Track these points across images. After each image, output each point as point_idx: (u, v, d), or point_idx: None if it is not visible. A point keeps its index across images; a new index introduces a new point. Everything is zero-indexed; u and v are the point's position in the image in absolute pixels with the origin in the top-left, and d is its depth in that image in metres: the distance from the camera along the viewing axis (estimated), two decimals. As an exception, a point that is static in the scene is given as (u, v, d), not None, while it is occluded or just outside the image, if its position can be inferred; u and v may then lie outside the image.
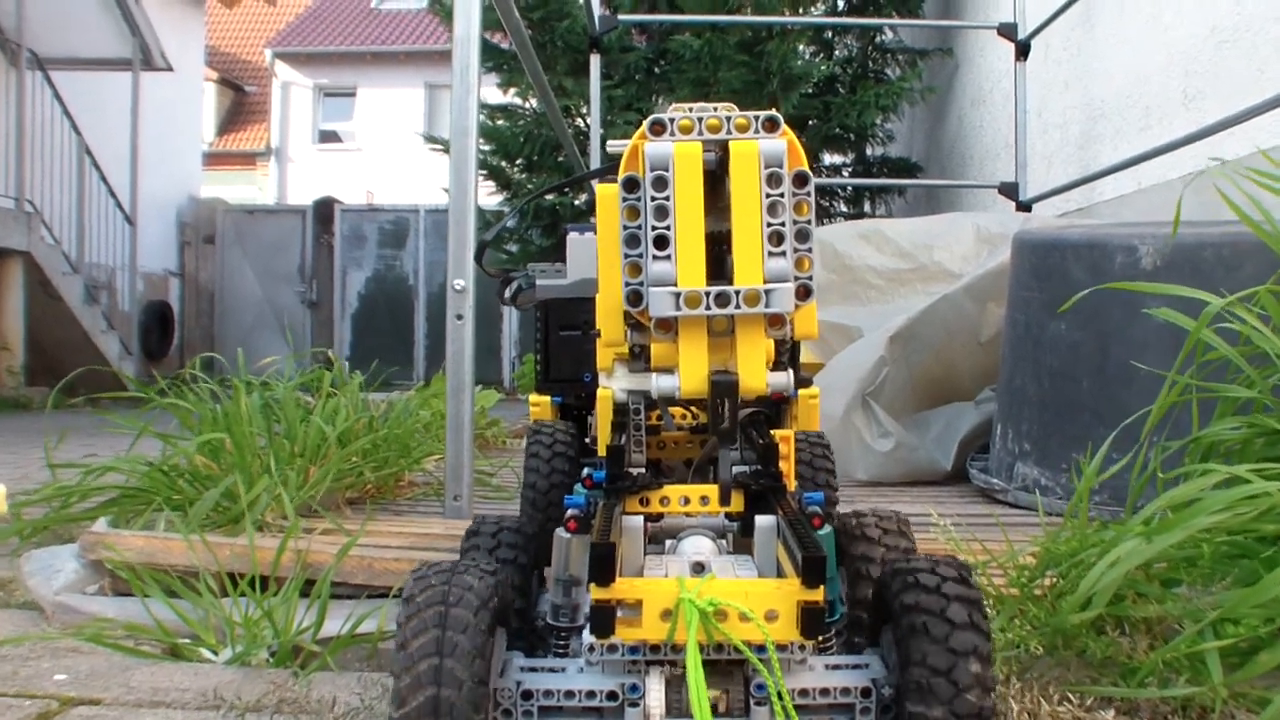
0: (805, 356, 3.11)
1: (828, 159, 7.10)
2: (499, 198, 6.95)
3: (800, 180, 0.80)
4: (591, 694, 0.88)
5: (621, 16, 5.81)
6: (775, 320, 0.82)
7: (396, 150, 19.16)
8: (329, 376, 2.39)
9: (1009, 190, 4.88)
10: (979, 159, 5.94)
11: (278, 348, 11.52)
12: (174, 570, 1.59)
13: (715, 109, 0.83)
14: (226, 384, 2.18)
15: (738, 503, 1.01)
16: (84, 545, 1.76)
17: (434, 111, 20.30)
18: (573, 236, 1.61)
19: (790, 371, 0.87)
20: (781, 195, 0.80)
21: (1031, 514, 2.25)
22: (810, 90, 6.27)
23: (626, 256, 0.82)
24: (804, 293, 0.81)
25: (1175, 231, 1.55)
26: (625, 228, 0.81)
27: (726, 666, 0.86)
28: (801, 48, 6.33)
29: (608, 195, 0.90)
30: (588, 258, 1.55)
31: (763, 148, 0.80)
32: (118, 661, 1.29)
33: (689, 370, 0.82)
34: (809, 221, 0.81)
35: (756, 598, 0.82)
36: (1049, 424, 2.28)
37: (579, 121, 6.51)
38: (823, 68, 6.25)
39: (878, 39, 6.85)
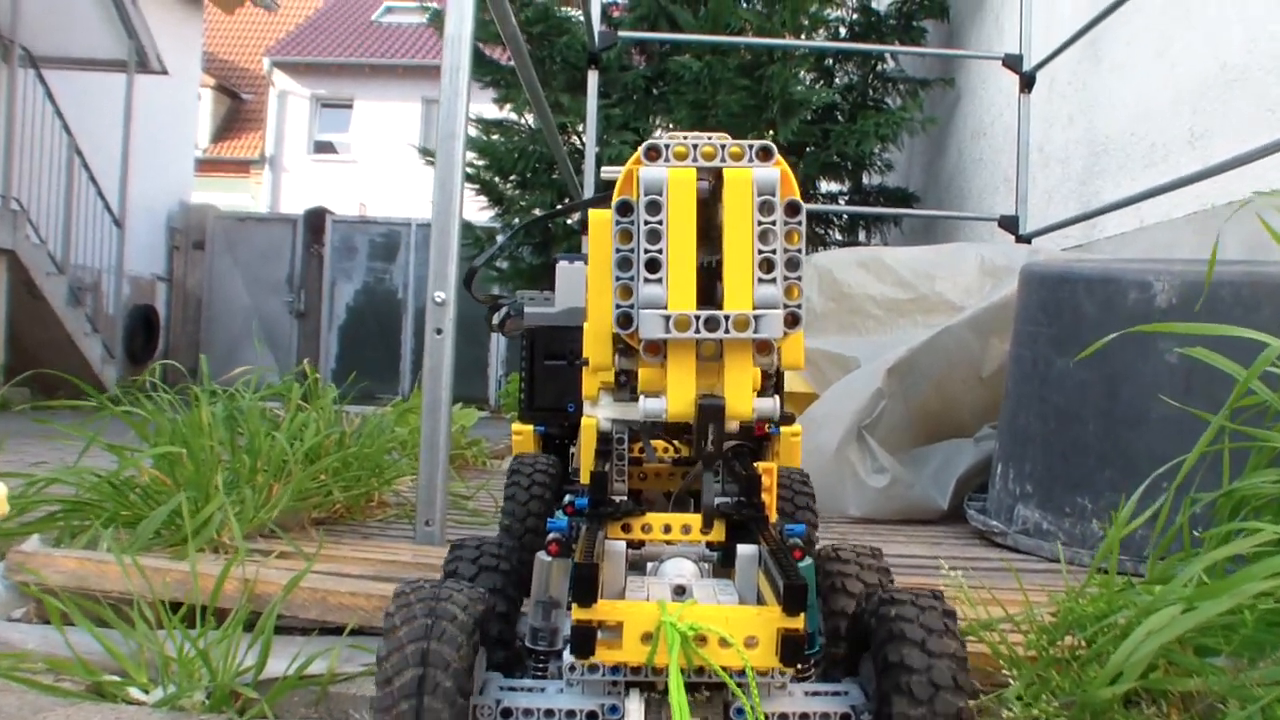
0: (800, 386, 3.06)
1: (824, 187, 7.02)
2: (490, 213, 6.86)
3: (792, 209, 0.82)
4: (571, 714, 0.89)
5: (621, 33, 5.73)
6: (763, 347, 0.83)
7: (392, 163, 19.13)
8: (297, 388, 2.27)
9: (1009, 224, 4.81)
10: (978, 192, 5.87)
11: (263, 356, 11.52)
12: (108, 597, 1.45)
13: (710, 138, 0.84)
14: (183, 393, 2.06)
15: (719, 532, 1.01)
16: (9, 565, 1.61)
17: (430, 126, 20.26)
18: (562, 265, 1.61)
19: (776, 398, 0.87)
20: (773, 223, 0.81)
21: (1033, 559, 2.15)
22: (809, 117, 6.19)
23: (618, 279, 0.82)
24: (792, 320, 0.82)
25: (1211, 269, 1.45)
26: (618, 251, 0.82)
27: (706, 691, 0.87)
28: (802, 74, 6.26)
29: (600, 221, 0.92)
30: (576, 287, 1.56)
31: (756, 175, 0.81)
32: (30, 701, 1.14)
33: (676, 393, 0.83)
34: (799, 250, 0.82)
35: (737, 623, 0.83)
36: (1053, 466, 2.18)
37: (575, 139, 6.42)
38: (823, 94, 6.18)
39: (879, 68, 6.78)
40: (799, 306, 0.82)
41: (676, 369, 0.83)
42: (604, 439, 1.09)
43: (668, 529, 1.04)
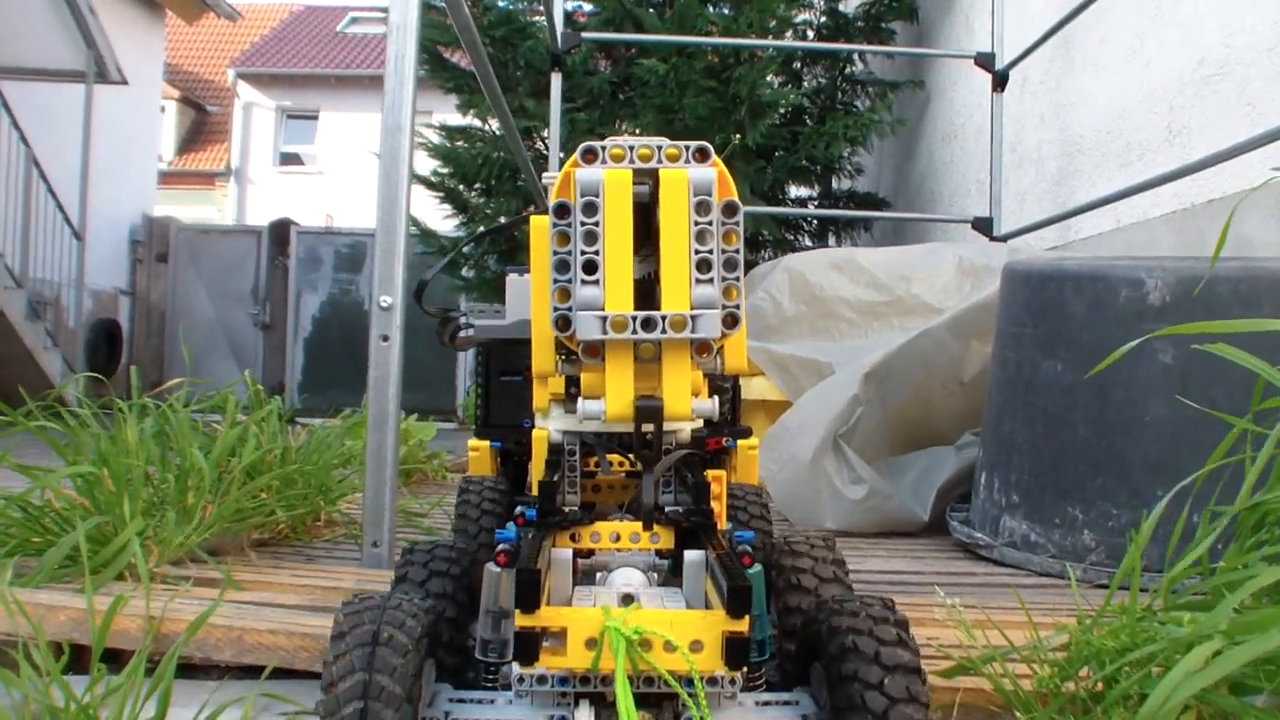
0: (772, 393, 2.96)
1: (793, 192, 6.96)
2: (455, 221, 6.75)
3: (729, 210, 0.81)
4: None
5: (585, 35, 5.63)
6: (702, 348, 0.82)
7: (358, 174, 18.95)
8: (234, 400, 2.12)
9: (983, 225, 4.75)
10: (949, 195, 5.82)
11: (228, 369, 11.43)
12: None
13: (648, 141, 0.84)
14: (105, 407, 1.91)
15: (667, 539, 1.01)
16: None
17: (397, 136, 20.12)
18: (512, 278, 1.61)
19: (715, 399, 0.87)
20: (710, 223, 0.80)
21: (1021, 573, 2.04)
22: (778, 120, 6.11)
23: (556, 281, 0.82)
24: (731, 321, 0.81)
25: (1216, 258, 1.34)
26: (555, 253, 0.82)
27: (656, 701, 0.87)
28: (770, 77, 6.19)
29: (541, 226, 0.93)
30: (527, 299, 1.51)
31: (692, 175, 0.81)
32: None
33: (615, 395, 0.82)
34: (737, 251, 0.82)
35: (682, 628, 0.83)
36: (1041, 474, 2.07)
37: (540, 144, 6.31)
38: (791, 96, 6.10)
39: (847, 70, 6.72)
40: (737, 307, 0.81)
41: (615, 371, 0.83)
42: (555, 450, 1.08)
43: (616, 537, 1.03)
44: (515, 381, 1.69)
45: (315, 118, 21.38)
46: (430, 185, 6.55)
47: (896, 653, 0.85)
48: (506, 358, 1.70)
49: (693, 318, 0.80)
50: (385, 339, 1.78)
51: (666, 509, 1.06)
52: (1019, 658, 1.07)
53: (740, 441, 1.51)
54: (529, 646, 0.83)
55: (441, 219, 6.73)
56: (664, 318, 0.80)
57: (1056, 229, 4.28)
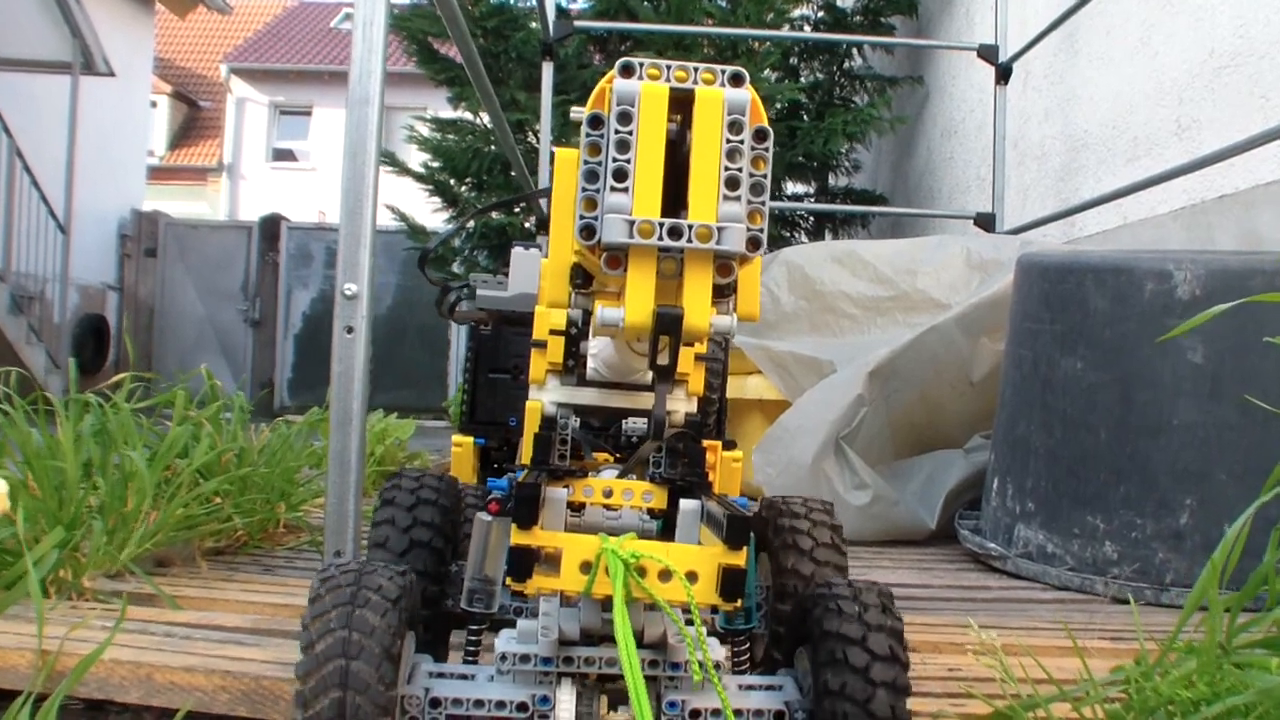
0: (770, 393, 2.84)
1: (790, 189, 6.90)
2: (444, 215, 6.68)
3: (760, 135, 0.82)
4: (501, 704, 0.90)
5: (578, 23, 5.51)
6: (724, 269, 0.82)
7: (352, 171, 18.81)
8: (184, 396, 1.96)
9: (985, 221, 4.66)
10: (948, 192, 5.74)
11: (217, 366, 11.36)
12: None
13: (684, 64, 0.84)
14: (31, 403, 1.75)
15: (660, 498, 1.01)
16: None
17: (388, 131, 20.09)
18: (517, 251, 1.60)
19: (733, 318, 0.86)
20: (741, 141, 0.80)
21: (1038, 587, 1.91)
22: (775, 115, 6.00)
23: (584, 191, 0.81)
24: (754, 245, 0.81)
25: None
26: (585, 163, 0.81)
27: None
28: (766, 72, 6.09)
29: (566, 159, 0.93)
30: (530, 272, 1.57)
31: (727, 95, 0.81)
32: None
33: (635, 304, 0.82)
34: (765, 176, 0.82)
35: (678, 557, 0.85)
36: (1058, 480, 1.95)
37: (531, 138, 6.20)
38: (789, 90, 6.02)
39: (845, 65, 6.65)
40: (761, 231, 0.81)
41: (636, 279, 0.81)
42: (548, 424, 1.07)
43: (609, 493, 1.02)
44: (503, 380, 1.67)
45: (308, 114, 21.33)
46: (420, 178, 6.49)
47: (883, 639, 0.87)
48: (497, 354, 1.68)
49: (719, 229, 0.79)
50: (350, 331, 1.63)
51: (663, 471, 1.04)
52: (1064, 696, 0.93)
53: (725, 453, 1.47)
54: (523, 563, 0.85)
55: (430, 212, 6.66)
56: (690, 226, 0.79)
57: (1060, 226, 4.20)
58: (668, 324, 0.82)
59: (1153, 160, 3.58)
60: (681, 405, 1.03)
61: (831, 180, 6.79)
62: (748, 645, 1.19)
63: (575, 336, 1.04)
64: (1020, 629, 1.30)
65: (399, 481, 1.18)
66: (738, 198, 0.80)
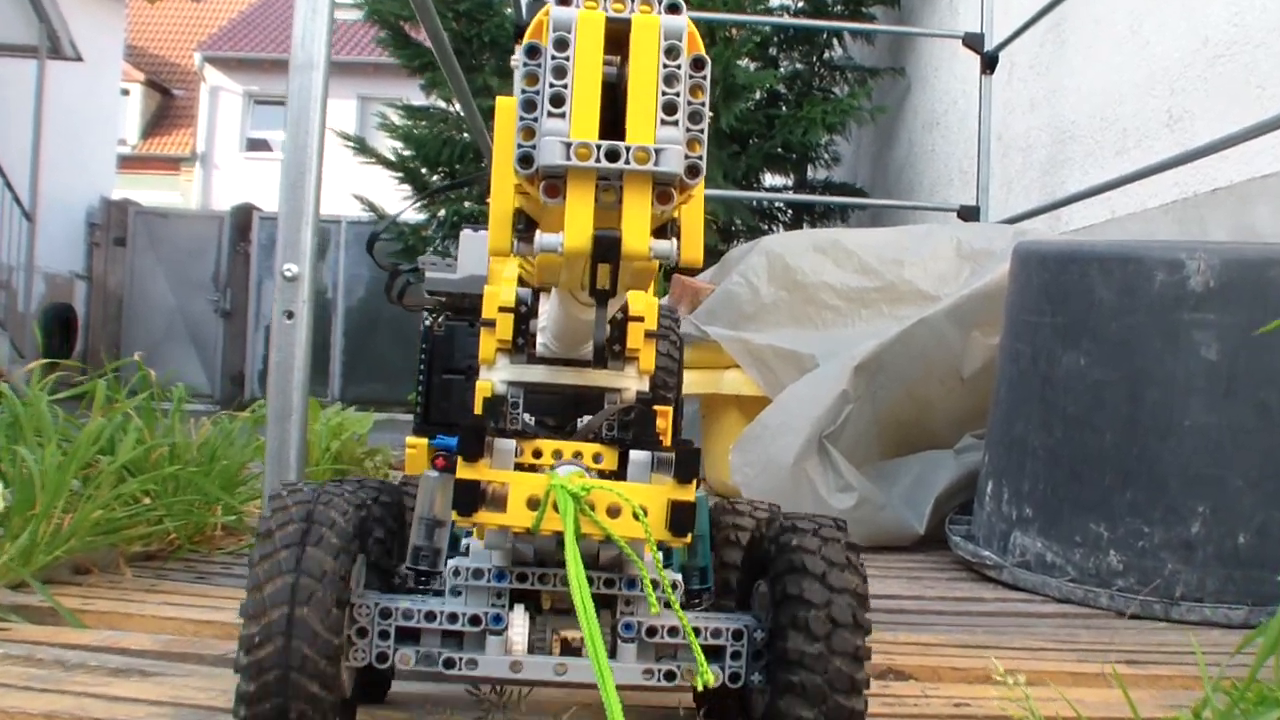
0: (749, 389, 2.75)
1: (768, 181, 6.87)
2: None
3: (697, 64, 0.83)
4: (454, 616, 0.91)
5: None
6: (663, 196, 0.82)
7: (326, 162, 18.63)
8: (102, 386, 1.79)
9: (969, 214, 4.60)
10: (929, 185, 5.69)
11: (187, 357, 11.22)
12: None
13: None
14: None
15: (610, 459, 1.00)
16: None
17: (365, 123, 20.08)
18: (466, 234, 1.61)
19: (675, 241, 0.85)
20: (679, 67, 0.81)
21: (1037, 599, 1.80)
22: (752, 105, 6.00)
23: (521, 120, 0.81)
24: (693, 172, 0.82)
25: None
26: (523, 93, 0.81)
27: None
28: (745, 63, 6.02)
29: (506, 106, 0.93)
30: (480, 255, 1.57)
31: (664, 20, 0.82)
32: None
33: (574, 228, 0.81)
34: (703, 104, 0.83)
35: (628, 493, 0.88)
36: (1059, 484, 1.86)
37: (504, 126, 6.10)
38: (767, 78, 5.99)
39: (825, 55, 6.62)
40: (700, 158, 0.82)
41: (575, 202, 0.81)
42: (496, 403, 1.07)
43: (559, 455, 1.00)
44: (457, 381, 1.64)
45: (283, 103, 21.15)
46: (390, 165, 6.39)
47: (845, 576, 0.89)
48: (450, 354, 1.64)
49: (656, 151, 0.79)
50: (290, 316, 1.50)
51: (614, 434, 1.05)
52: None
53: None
54: (469, 497, 0.86)
55: (400, 200, 6.60)
56: (628, 149, 0.79)
57: (1045, 220, 4.14)
58: (606, 246, 0.82)
59: (1142, 152, 3.52)
60: (632, 383, 1.04)
61: (810, 172, 6.78)
62: (701, 606, 1.19)
63: (525, 314, 1.04)
64: (1023, 649, 1.18)
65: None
66: (675, 122, 0.80)
